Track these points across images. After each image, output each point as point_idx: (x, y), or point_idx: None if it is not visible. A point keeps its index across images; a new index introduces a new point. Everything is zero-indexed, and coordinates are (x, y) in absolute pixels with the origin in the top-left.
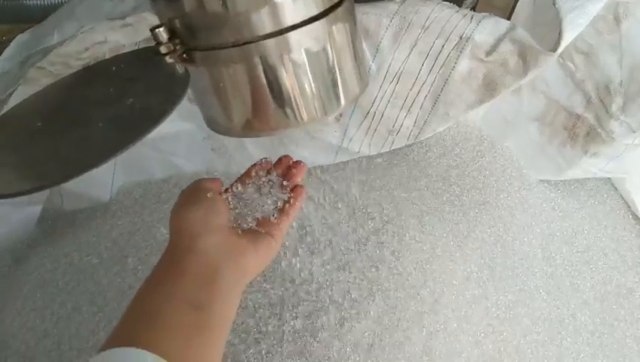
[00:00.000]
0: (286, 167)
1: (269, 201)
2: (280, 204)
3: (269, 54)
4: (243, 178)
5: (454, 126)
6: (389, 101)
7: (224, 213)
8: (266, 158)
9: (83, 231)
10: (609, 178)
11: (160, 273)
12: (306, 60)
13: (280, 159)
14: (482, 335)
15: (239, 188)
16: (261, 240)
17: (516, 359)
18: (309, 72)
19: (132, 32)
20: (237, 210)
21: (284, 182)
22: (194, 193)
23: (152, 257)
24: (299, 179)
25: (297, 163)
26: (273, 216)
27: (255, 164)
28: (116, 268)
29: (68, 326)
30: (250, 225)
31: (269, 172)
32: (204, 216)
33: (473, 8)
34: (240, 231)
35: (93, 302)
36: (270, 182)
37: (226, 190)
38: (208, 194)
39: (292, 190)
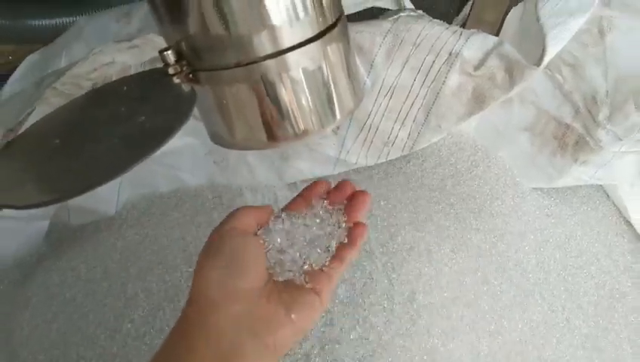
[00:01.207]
0: (345, 198)
1: (320, 243)
2: (334, 246)
3: (269, 73)
4: (291, 207)
5: (449, 137)
6: (383, 114)
7: (256, 267)
8: (324, 180)
9: (89, 245)
10: (601, 185)
11: (169, 347)
12: (303, 78)
13: (338, 185)
14: (478, 339)
15: (283, 224)
16: (301, 302)
17: None
18: (306, 89)
19: (138, 53)
20: (276, 256)
21: (340, 218)
22: (223, 236)
23: (156, 269)
24: (361, 215)
25: (361, 194)
26: (324, 263)
27: (307, 188)
28: (121, 279)
29: (74, 338)
30: (292, 276)
31: (324, 201)
32: (227, 275)
33: (464, 24)
34: (275, 287)
35: (99, 312)
36: (325, 216)
37: (267, 224)
38: (240, 238)
39: (350, 229)
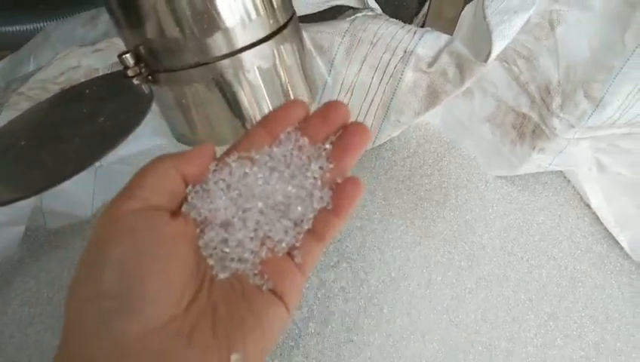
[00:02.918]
0: (333, 130)
1: (290, 208)
2: (311, 214)
3: (225, 73)
4: (242, 145)
5: (417, 130)
6: None
7: (171, 284)
8: (299, 100)
9: (65, 247)
10: (561, 171)
11: None
12: (258, 76)
13: (323, 109)
14: (444, 323)
15: (231, 176)
16: (252, 321)
17: (476, 341)
18: (262, 85)
19: (103, 56)
20: (216, 235)
21: (324, 165)
22: (113, 228)
23: None
24: (353, 162)
25: (358, 126)
26: (293, 244)
27: (272, 114)
28: None
29: (53, 340)
30: (242, 270)
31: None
32: (113, 311)
33: (424, 21)
34: (208, 304)
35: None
36: (300, 160)
37: (202, 179)
38: (145, 228)
39: (339, 186)
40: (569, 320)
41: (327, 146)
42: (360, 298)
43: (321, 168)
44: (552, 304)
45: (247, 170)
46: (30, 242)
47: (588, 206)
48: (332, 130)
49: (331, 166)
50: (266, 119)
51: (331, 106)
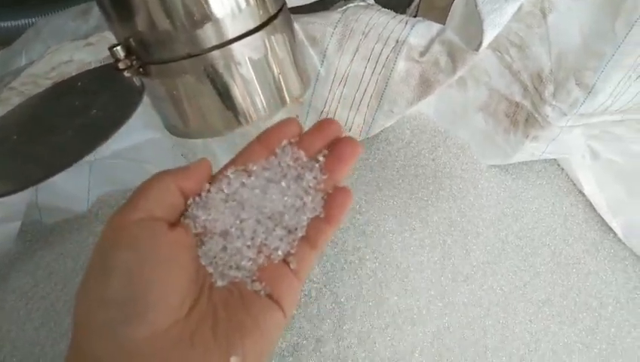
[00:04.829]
0: (326, 144)
1: (286, 217)
2: (305, 222)
3: (216, 64)
4: (240, 159)
5: (412, 120)
6: (339, 102)
7: (173, 291)
8: (294, 118)
9: (62, 241)
10: (555, 159)
11: None
12: (249, 67)
13: (317, 125)
14: (438, 311)
15: (229, 187)
16: (251, 324)
17: (470, 328)
18: (253, 77)
19: (94, 50)
20: (215, 245)
21: (318, 176)
22: (118, 238)
23: None
24: (344, 173)
25: (349, 141)
26: (289, 251)
27: (269, 130)
28: None
29: (51, 334)
30: (240, 277)
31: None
32: (119, 317)
33: (417, 11)
34: (208, 309)
35: (72, 307)
36: (295, 172)
37: (201, 192)
38: (147, 238)
39: (330, 195)
40: (563, 306)
41: (321, 158)
42: (354, 286)
43: (314, 179)
44: (547, 290)
45: (244, 181)
46: (26, 237)
47: (581, 193)
48: (325, 143)
49: (325, 177)
50: (263, 135)
51: (325, 122)
